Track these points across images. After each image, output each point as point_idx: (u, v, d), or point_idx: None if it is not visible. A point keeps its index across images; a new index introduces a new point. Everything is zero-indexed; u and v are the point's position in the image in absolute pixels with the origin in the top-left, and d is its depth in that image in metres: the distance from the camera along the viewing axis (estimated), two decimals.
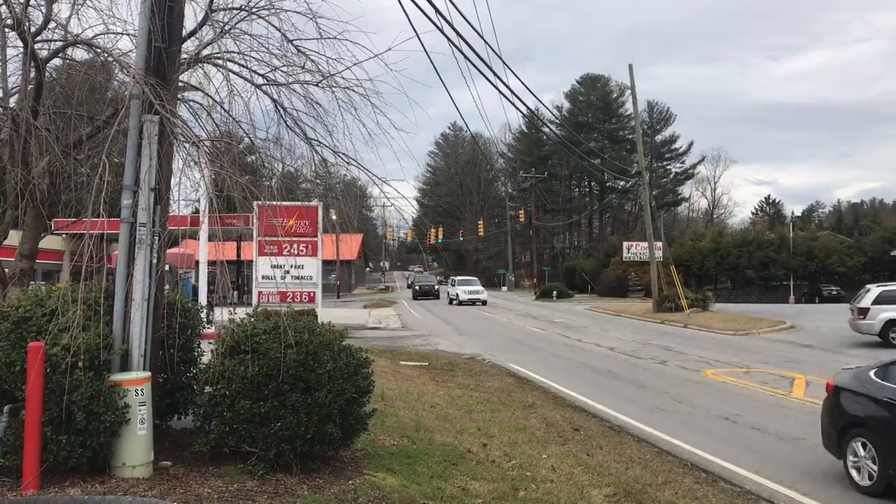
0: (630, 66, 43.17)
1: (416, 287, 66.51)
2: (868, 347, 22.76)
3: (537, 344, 25.93)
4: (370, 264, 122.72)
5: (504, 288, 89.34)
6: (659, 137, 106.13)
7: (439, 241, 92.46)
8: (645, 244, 50.64)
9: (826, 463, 9.67)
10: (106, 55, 7.85)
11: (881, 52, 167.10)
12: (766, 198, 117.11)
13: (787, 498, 8.43)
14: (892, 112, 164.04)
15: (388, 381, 14.19)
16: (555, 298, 62.76)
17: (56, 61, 8.95)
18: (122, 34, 7.84)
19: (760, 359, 20.94)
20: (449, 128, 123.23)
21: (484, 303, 53.38)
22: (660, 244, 48.56)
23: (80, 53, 8.61)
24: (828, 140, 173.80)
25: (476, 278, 64.63)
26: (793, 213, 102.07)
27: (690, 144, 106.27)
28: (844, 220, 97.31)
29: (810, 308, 48.35)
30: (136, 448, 6.61)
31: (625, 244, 66.73)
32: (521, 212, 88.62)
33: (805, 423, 12.12)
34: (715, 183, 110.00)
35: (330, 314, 20.82)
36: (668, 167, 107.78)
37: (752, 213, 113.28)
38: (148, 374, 6.90)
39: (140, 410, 6.64)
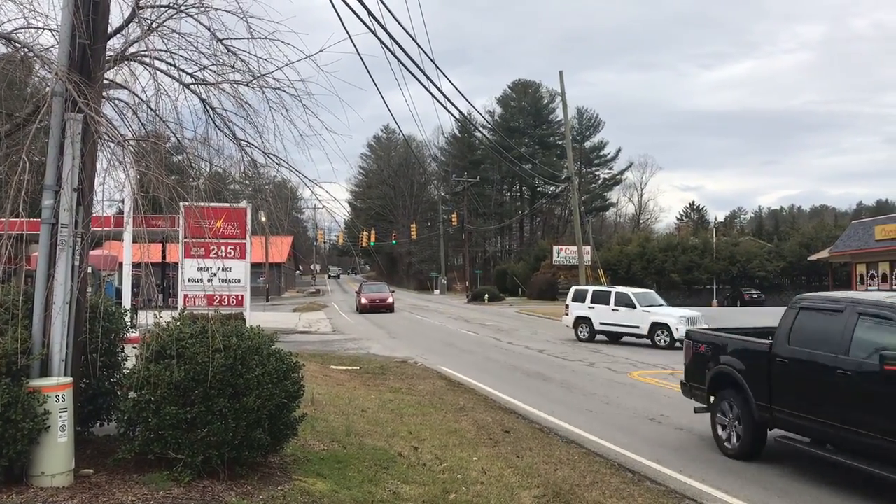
0: (560, 73, 43.93)
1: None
2: None
3: (469, 347, 26.07)
4: (300, 267, 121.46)
5: (436, 291, 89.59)
6: (588, 144, 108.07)
7: (371, 243, 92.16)
8: (574, 248, 51.49)
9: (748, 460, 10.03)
10: (26, 50, 7.59)
11: (805, 62, 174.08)
12: (690, 204, 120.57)
13: (710, 496, 8.68)
14: (812, 122, 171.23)
15: (318, 386, 14.07)
16: (486, 301, 63.27)
17: None
18: (44, 29, 7.58)
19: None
20: (382, 130, 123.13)
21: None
22: (588, 248, 49.48)
23: None
24: (753, 148, 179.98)
25: (651, 291, 31.51)
26: (716, 218, 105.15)
27: (618, 151, 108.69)
28: (765, 225, 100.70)
29: (733, 311, 49.85)
30: (56, 456, 6.41)
31: (555, 248, 67.72)
32: (454, 215, 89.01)
33: None
34: (642, 189, 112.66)
35: (259, 318, 20.54)
36: (597, 173, 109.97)
37: (678, 219, 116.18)
38: (69, 379, 6.70)
39: (61, 417, 6.44)
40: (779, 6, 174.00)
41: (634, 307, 26.52)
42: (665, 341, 25.32)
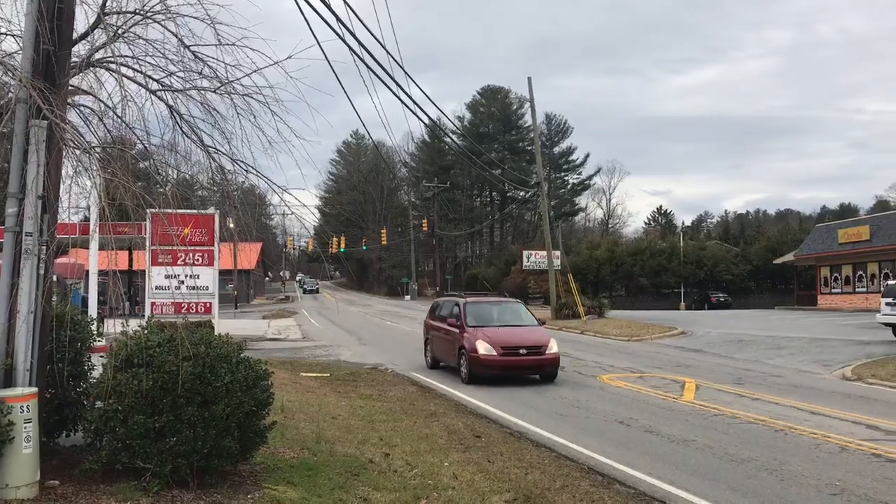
0: (529, 80, 44.17)
1: None
2: (753, 350, 23.85)
3: None
4: (270, 274, 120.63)
5: (407, 297, 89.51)
6: (557, 149, 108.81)
7: (341, 250, 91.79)
8: (544, 253, 51.69)
9: (716, 462, 10.15)
10: None
11: (772, 68, 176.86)
12: (658, 208, 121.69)
13: (678, 498, 8.76)
14: (778, 126, 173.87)
15: (288, 393, 14.00)
16: None
17: None
18: (7, 35, 7.49)
19: (653, 364, 21.69)
20: (351, 135, 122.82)
21: None
22: (558, 253, 49.74)
23: None
24: (720, 152, 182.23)
25: None
26: (683, 223, 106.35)
27: (587, 156, 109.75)
28: (731, 229, 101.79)
29: (700, 314, 50.39)
30: (20, 467, 6.31)
31: (524, 253, 68.02)
32: (424, 221, 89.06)
33: (695, 425, 12.66)
34: (610, 194, 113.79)
35: (228, 325, 20.39)
36: (566, 178, 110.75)
37: (646, 223, 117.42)
38: (34, 389, 6.61)
39: (25, 428, 6.35)
40: (747, 12, 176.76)
41: None
42: None
